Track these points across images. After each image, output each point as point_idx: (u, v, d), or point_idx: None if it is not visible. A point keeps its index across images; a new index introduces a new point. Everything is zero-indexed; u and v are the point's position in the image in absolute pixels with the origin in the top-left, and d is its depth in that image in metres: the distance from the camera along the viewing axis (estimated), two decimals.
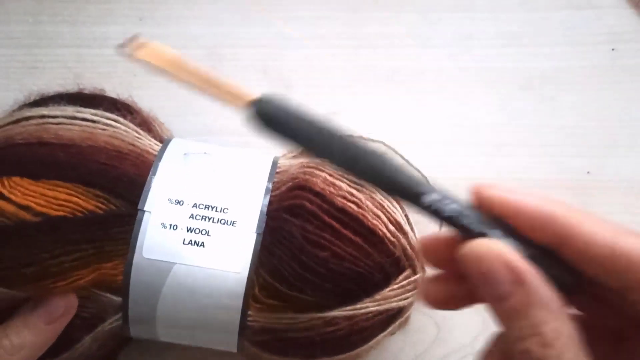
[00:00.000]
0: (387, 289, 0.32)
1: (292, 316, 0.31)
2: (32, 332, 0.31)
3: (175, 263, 0.31)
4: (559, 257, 0.22)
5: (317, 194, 0.31)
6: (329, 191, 0.32)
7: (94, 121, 0.34)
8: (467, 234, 0.23)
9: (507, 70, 0.48)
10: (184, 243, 0.31)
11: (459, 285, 0.23)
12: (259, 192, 0.32)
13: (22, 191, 0.30)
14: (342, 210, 0.31)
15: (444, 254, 0.23)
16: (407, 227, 0.33)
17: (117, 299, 0.32)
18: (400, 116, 0.46)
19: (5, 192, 0.30)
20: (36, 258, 0.30)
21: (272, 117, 0.23)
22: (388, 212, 0.33)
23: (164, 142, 0.35)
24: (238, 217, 0.32)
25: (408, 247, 0.33)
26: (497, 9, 0.50)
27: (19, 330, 0.31)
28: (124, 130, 0.34)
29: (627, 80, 0.47)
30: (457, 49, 0.48)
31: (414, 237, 0.33)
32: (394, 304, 0.32)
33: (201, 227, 0.31)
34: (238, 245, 0.31)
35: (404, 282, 0.33)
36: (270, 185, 0.33)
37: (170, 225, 0.31)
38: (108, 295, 0.32)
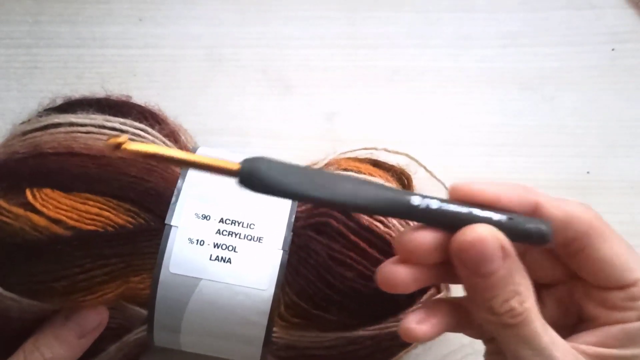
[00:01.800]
0: (412, 309, 0.31)
1: (316, 334, 0.31)
2: (64, 345, 0.31)
3: (201, 279, 0.31)
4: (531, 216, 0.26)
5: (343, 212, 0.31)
6: None
7: (122, 131, 0.33)
8: (451, 222, 0.25)
9: (507, 70, 0.48)
10: (210, 259, 0.31)
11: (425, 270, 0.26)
12: (285, 208, 0.32)
13: (54, 204, 0.30)
14: (369, 229, 0.31)
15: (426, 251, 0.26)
16: None
17: (143, 312, 0.32)
18: (400, 116, 0.46)
19: (37, 204, 0.30)
20: (67, 272, 0.29)
21: (259, 182, 0.23)
22: None
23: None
24: (264, 233, 0.31)
25: None
26: (496, 8, 0.50)
27: (50, 344, 0.30)
28: (152, 140, 0.34)
29: (627, 80, 0.47)
30: (457, 49, 0.48)
31: None
32: None
33: (228, 243, 0.31)
34: (264, 262, 0.31)
35: None
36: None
37: (197, 240, 0.31)
38: (135, 307, 0.32)
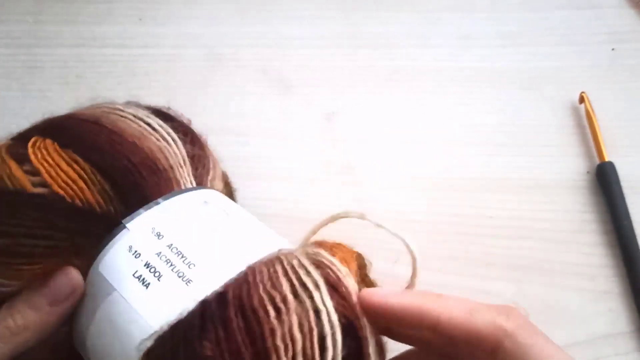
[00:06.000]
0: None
1: None
2: (37, 312, 0.29)
3: (115, 290, 0.28)
4: None
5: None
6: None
7: (155, 129, 0.33)
8: None
9: (507, 70, 0.48)
10: (133, 275, 0.28)
11: None
12: (232, 272, 0.28)
13: (44, 154, 0.30)
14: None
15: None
16: None
17: None
18: (400, 116, 0.46)
19: (30, 150, 0.30)
20: (12, 230, 0.28)
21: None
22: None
23: (201, 186, 0.33)
24: (197, 279, 0.28)
25: None
26: (496, 8, 0.50)
27: (23, 310, 0.29)
28: (175, 152, 0.33)
29: (627, 80, 0.47)
30: (457, 49, 0.48)
31: None
32: None
33: (157, 268, 0.28)
34: (175, 305, 0.27)
35: None
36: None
37: (135, 251, 0.29)
38: None
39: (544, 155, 0.45)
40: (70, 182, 0.29)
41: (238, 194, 0.39)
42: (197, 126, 0.45)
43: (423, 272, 0.40)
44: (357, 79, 0.47)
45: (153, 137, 0.33)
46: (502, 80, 0.47)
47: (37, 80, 0.47)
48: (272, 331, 0.24)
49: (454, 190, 0.43)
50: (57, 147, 0.30)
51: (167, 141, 0.33)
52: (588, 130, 0.45)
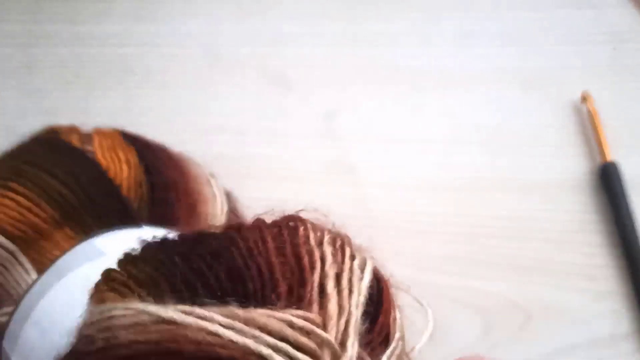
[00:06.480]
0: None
1: None
2: None
3: (104, 255, 0.25)
4: None
5: None
6: None
7: (214, 192, 0.33)
8: None
9: (508, 69, 0.47)
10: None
11: None
12: None
13: (106, 135, 0.31)
14: None
15: None
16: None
17: (29, 278, 0.26)
18: (400, 115, 0.46)
19: (94, 129, 0.32)
20: (38, 161, 0.29)
21: None
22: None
23: None
24: None
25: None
26: (497, 7, 0.50)
27: None
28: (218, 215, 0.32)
29: (629, 79, 0.47)
30: (458, 48, 0.48)
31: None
32: None
33: None
34: None
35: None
36: None
37: (144, 241, 0.25)
38: (26, 264, 0.27)
39: (545, 155, 0.45)
40: (115, 158, 0.30)
41: (237, 194, 0.38)
42: (196, 125, 0.45)
43: (423, 272, 0.40)
44: (357, 77, 0.47)
45: (210, 191, 0.32)
46: (502, 79, 0.47)
47: (36, 80, 0.47)
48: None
49: (454, 190, 0.43)
50: (121, 137, 0.31)
51: (217, 202, 0.32)
52: (589, 130, 0.45)
